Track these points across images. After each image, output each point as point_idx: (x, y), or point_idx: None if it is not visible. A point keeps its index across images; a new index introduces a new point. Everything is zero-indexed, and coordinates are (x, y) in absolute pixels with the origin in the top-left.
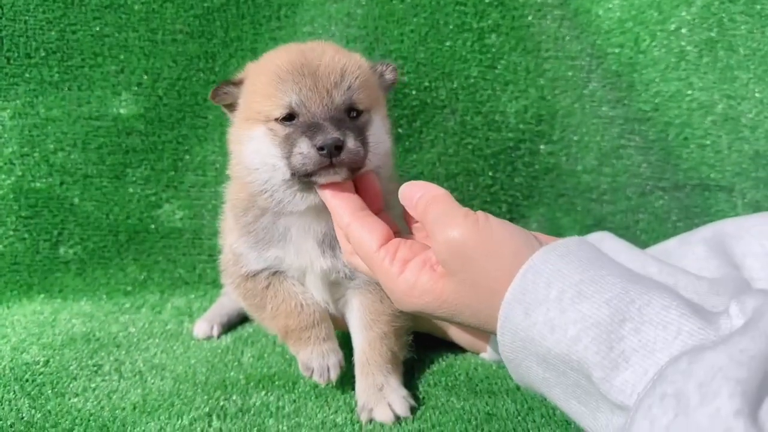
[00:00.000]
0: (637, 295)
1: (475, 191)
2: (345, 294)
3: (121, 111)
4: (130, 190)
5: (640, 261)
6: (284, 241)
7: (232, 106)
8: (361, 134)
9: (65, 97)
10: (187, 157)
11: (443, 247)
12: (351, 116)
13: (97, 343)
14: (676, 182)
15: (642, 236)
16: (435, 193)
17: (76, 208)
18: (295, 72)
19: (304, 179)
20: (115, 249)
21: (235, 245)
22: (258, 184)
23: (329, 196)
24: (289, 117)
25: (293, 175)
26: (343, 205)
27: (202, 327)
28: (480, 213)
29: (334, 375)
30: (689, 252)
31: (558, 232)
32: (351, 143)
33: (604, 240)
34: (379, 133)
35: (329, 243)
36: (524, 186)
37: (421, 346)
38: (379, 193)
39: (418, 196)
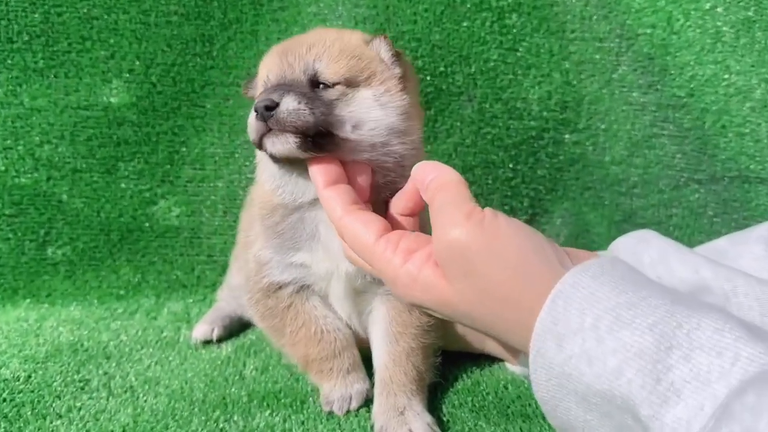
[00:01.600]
0: (684, 318)
1: (495, 185)
2: (371, 304)
3: (112, 100)
4: (123, 185)
5: (692, 263)
6: (312, 241)
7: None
8: (324, 105)
9: (51, 85)
10: (184, 149)
11: (442, 247)
12: (317, 88)
13: (85, 354)
14: (712, 174)
15: (675, 232)
16: (447, 179)
17: (65, 205)
18: (275, 51)
19: (268, 156)
20: (107, 249)
21: (259, 252)
22: (269, 181)
23: (320, 187)
24: None
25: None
26: (334, 197)
27: (202, 329)
28: (488, 211)
29: (355, 404)
30: (746, 251)
31: (584, 228)
32: (289, 103)
33: (649, 239)
34: (367, 109)
35: None
36: (547, 179)
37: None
38: (368, 183)
39: (430, 178)
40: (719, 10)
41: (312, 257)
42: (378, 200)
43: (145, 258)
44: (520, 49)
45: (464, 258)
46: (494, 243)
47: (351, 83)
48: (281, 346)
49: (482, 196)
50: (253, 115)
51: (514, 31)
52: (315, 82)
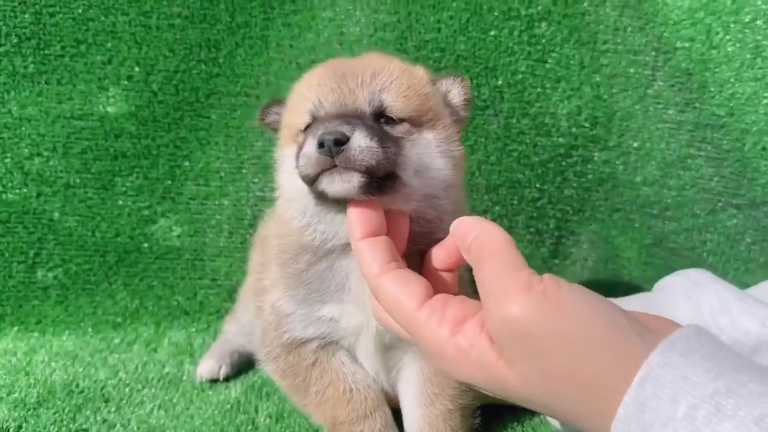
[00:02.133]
0: None
1: (520, 206)
2: (401, 360)
3: (109, 109)
4: (120, 202)
5: (759, 316)
6: (342, 292)
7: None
8: (393, 142)
9: (42, 93)
10: (187, 163)
11: (500, 326)
12: (382, 122)
13: (81, 397)
14: (752, 199)
15: (709, 259)
16: (493, 239)
17: (56, 223)
18: (323, 76)
19: (316, 192)
20: (102, 272)
21: (279, 302)
22: (299, 218)
23: (356, 236)
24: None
25: (312, 192)
26: (372, 251)
27: (208, 366)
28: (548, 279)
29: None
30: None
31: (613, 252)
32: (361, 139)
33: (706, 283)
34: (431, 154)
35: None
36: (575, 199)
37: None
38: (405, 236)
39: (473, 236)
40: (759, 23)
41: (341, 310)
42: (413, 251)
43: (144, 282)
44: (550, 61)
45: (527, 338)
46: (561, 319)
47: (416, 123)
48: (304, 405)
49: (506, 218)
50: (312, 146)
51: (544, 41)
52: (380, 115)
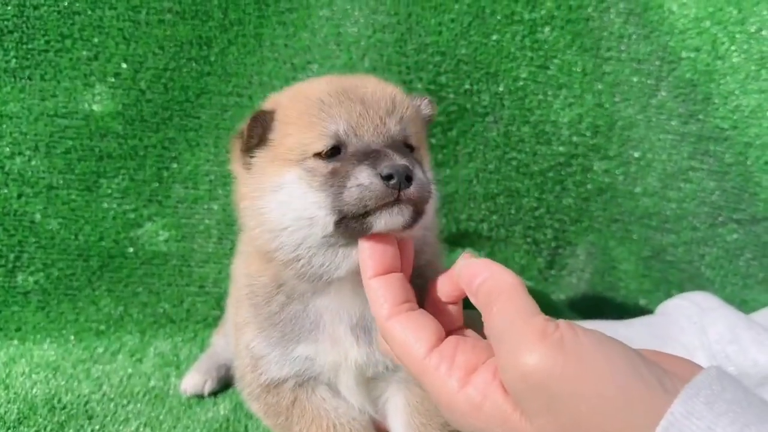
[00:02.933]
0: None
1: (518, 215)
2: (386, 391)
3: (94, 107)
4: (104, 204)
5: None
6: (316, 332)
7: (251, 148)
8: (423, 172)
9: (24, 89)
10: (175, 165)
11: (516, 378)
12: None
13: (64, 414)
14: (753, 214)
15: (707, 273)
16: (504, 283)
17: (38, 226)
18: (340, 95)
19: (353, 226)
20: (86, 277)
21: (252, 345)
22: (288, 250)
23: (368, 274)
24: (334, 151)
25: (339, 222)
26: (383, 290)
27: (193, 380)
28: (563, 325)
29: None
30: None
31: (610, 264)
32: (420, 174)
33: (713, 308)
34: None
35: (364, 326)
36: (573, 209)
37: None
38: (411, 263)
39: (479, 281)
40: (765, 33)
41: (316, 349)
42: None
43: (129, 288)
44: (552, 67)
45: (545, 389)
46: (581, 369)
47: (418, 150)
48: None
49: (504, 227)
50: (372, 177)
51: (546, 46)
52: (406, 145)
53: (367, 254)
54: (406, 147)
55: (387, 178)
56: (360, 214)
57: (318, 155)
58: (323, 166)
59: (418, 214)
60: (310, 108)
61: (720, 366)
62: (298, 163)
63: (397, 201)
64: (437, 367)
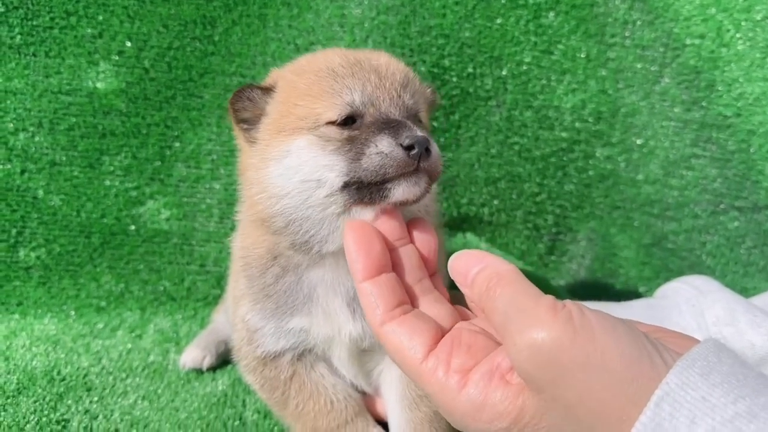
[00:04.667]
0: None
1: (518, 200)
2: (380, 364)
3: (98, 85)
4: (107, 182)
5: (766, 328)
6: (310, 304)
7: (249, 121)
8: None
9: (29, 65)
10: (177, 144)
11: (525, 353)
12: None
13: (63, 385)
14: (755, 202)
15: (708, 261)
16: (500, 270)
17: (40, 202)
18: (354, 66)
19: (367, 191)
20: (87, 254)
21: (248, 317)
22: (286, 215)
23: (358, 278)
24: (349, 119)
25: (346, 184)
26: (375, 294)
27: (192, 354)
28: (570, 304)
29: None
30: None
31: (611, 250)
32: (435, 147)
33: (712, 291)
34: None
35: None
36: (574, 195)
37: None
38: (435, 247)
39: (476, 270)
40: None
41: (310, 322)
42: None
43: (130, 265)
44: (556, 52)
45: (555, 362)
46: (590, 343)
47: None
48: (283, 416)
49: (504, 212)
50: (394, 146)
51: (550, 31)
52: (417, 119)
53: (354, 257)
54: (419, 122)
55: (408, 148)
56: (378, 182)
57: (332, 123)
58: (338, 133)
59: (429, 186)
60: (321, 79)
61: (717, 339)
62: (309, 130)
63: (416, 171)
64: (434, 370)
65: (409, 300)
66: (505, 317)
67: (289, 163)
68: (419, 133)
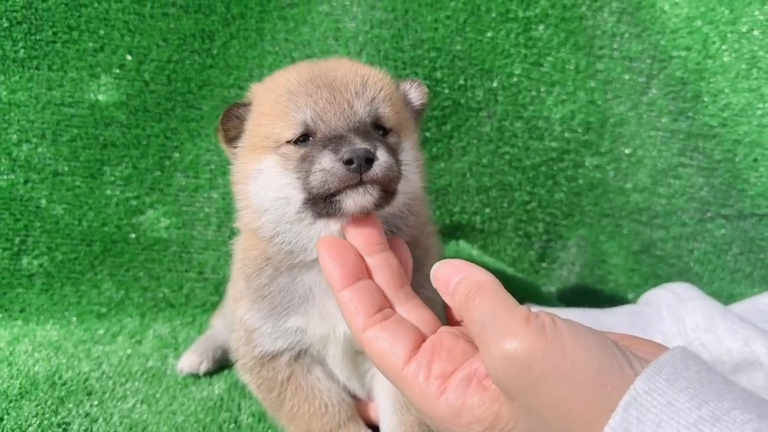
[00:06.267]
0: None
1: (510, 208)
2: (373, 366)
3: (99, 97)
4: (108, 191)
5: (742, 335)
6: (306, 304)
7: (234, 138)
8: (394, 153)
9: (32, 78)
10: (177, 154)
11: (499, 363)
12: (378, 133)
13: (64, 389)
14: (741, 210)
15: (695, 268)
16: (479, 280)
17: (43, 211)
18: (308, 84)
19: (322, 205)
20: (88, 262)
21: (246, 317)
22: (269, 228)
23: (336, 287)
24: (304, 137)
25: (307, 200)
26: (355, 302)
27: (189, 360)
28: (543, 315)
29: None
30: None
31: (600, 257)
32: (383, 156)
33: (692, 298)
34: (411, 160)
35: None
36: (564, 203)
37: None
38: (409, 264)
39: (456, 280)
40: (756, 33)
41: (307, 321)
42: None
43: (130, 273)
44: (545, 65)
45: (528, 371)
46: (561, 352)
47: (398, 131)
48: (278, 417)
49: (496, 220)
50: (333, 161)
51: (540, 44)
52: (377, 126)
53: (330, 268)
54: (378, 128)
55: (347, 162)
56: (327, 195)
57: (289, 142)
58: (295, 152)
59: (388, 193)
60: (280, 98)
61: (686, 347)
62: (274, 150)
63: (361, 183)
64: (415, 376)
65: (388, 305)
66: (482, 327)
67: (261, 182)
68: (360, 145)
